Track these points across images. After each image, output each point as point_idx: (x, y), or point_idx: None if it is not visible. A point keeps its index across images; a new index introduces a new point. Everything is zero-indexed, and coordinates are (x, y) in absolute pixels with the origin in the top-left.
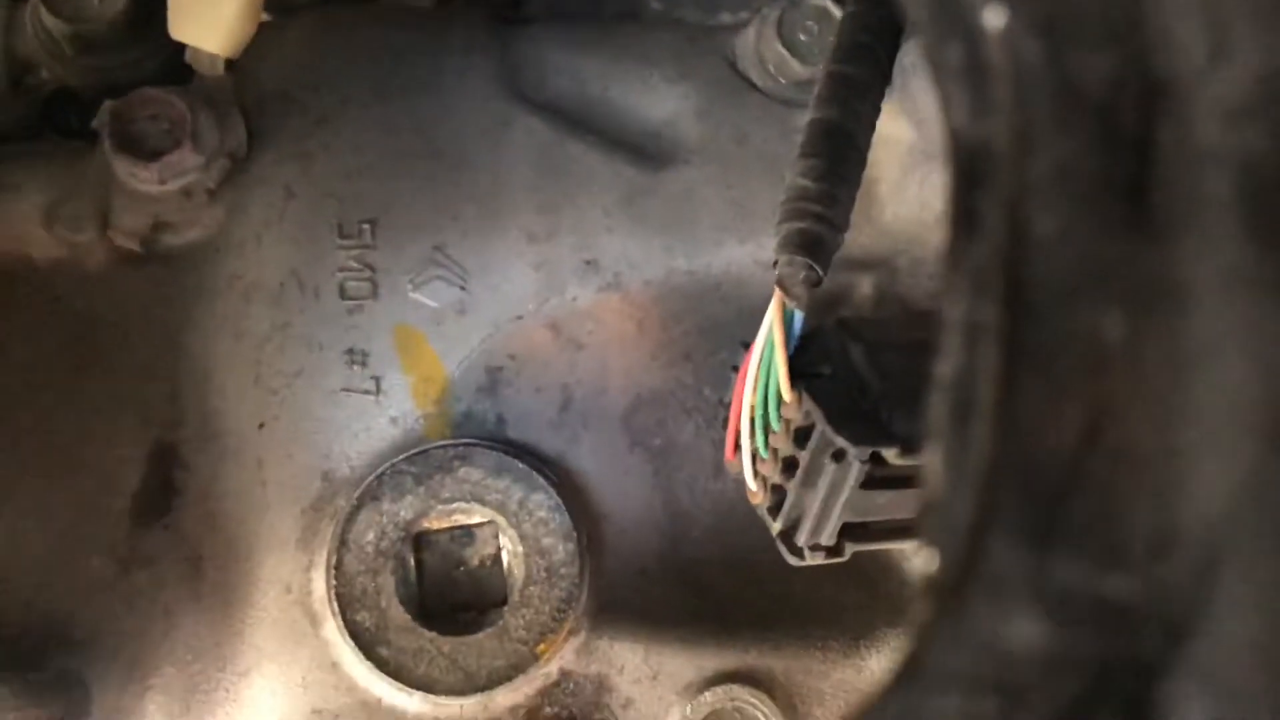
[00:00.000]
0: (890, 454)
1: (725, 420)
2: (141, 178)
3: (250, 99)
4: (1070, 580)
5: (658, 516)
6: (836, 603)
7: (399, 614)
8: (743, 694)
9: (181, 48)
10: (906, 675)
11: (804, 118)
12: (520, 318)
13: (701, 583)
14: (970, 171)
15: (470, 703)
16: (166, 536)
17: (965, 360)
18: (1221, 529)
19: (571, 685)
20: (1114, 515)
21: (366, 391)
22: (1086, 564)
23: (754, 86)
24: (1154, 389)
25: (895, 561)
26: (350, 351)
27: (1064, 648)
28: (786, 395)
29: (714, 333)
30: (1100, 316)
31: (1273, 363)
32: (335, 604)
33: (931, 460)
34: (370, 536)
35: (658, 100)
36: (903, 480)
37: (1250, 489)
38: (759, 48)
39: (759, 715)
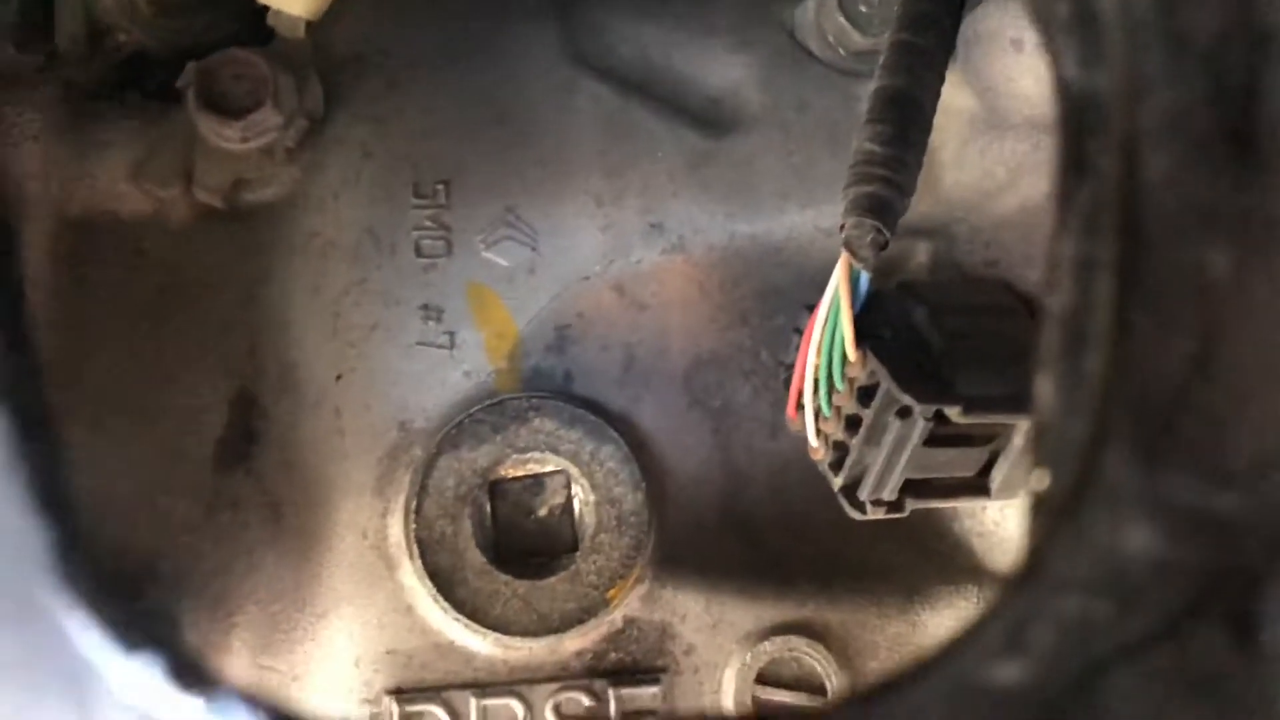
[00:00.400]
0: (953, 412)
1: (787, 381)
2: (225, 136)
3: (326, 61)
4: (1180, 495)
5: (716, 474)
6: (889, 561)
7: (476, 558)
8: (800, 644)
9: (254, 10)
10: (1028, 578)
11: (864, 87)
12: (587, 278)
13: (759, 538)
14: (1079, 119)
15: (540, 645)
16: (248, 482)
17: (1078, 294)
18: None
19: (636, 632)
20: (1220, 435)
21: (441, 346)
22: (1195, 480)
23: (813, 57)
24: (1258, 319)
25: (946, 523)
26: (425, 307)
27: (1174, 557)
28: (851, 355)
29: (773, 297)
30: (1208, 251)
31: None
32: (415, 547)
33: (1043, 387)
34: (450, 482)
35: (720, 69)
36: (964, 439)
37: None
38: (819, 19)
39: (816, 665)
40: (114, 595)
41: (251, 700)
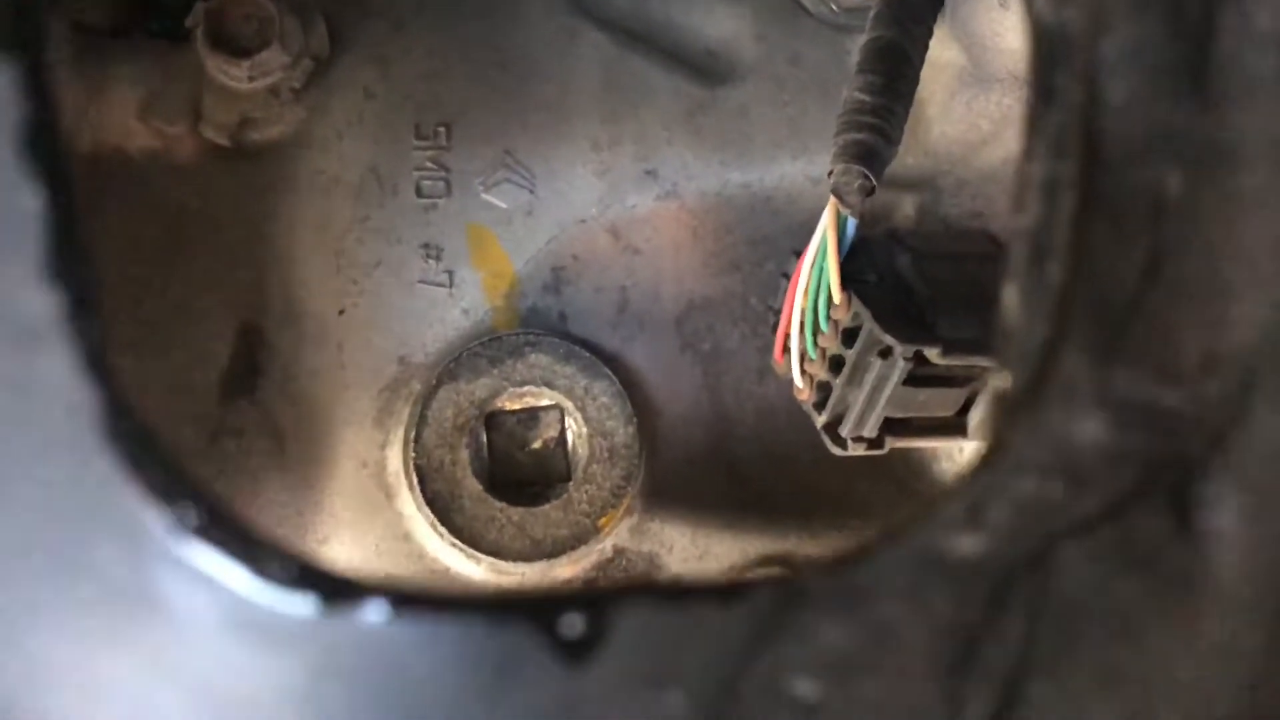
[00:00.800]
0: (933, 353)
1: (774, 325)
2: (232, 75)
3: (333, 3)
4: (1129, 390)
5: (705, 414)
6: (868, 498)
7: (473, 485)
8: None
9: None
10: (990, 460)
11: (854, 42)
12: (583, 221)
13: (745, 475)
14: (1050, 51)
15: (533, 571)
16: (253, 411)
17: (1043, 211)
18: (1258, 353)
19: (625, 561)
20: (1168, 338)
21: (440, 284)
22: (1144, 377)
23: (807, 11)
24: (1206, 234)
25: (925, 463)
26: (426, 246)
27: (1122, 445)
28: (837, 297)
29: (763, 244)
30: (1163, 172)
31: None
32: (414, 475)
33: (1008, 297)
34: (448, 413)
35: (716, 21)
36: (943, 379)
37: None
38: None
39: None
40: (154, 453)
41: (289, 555)
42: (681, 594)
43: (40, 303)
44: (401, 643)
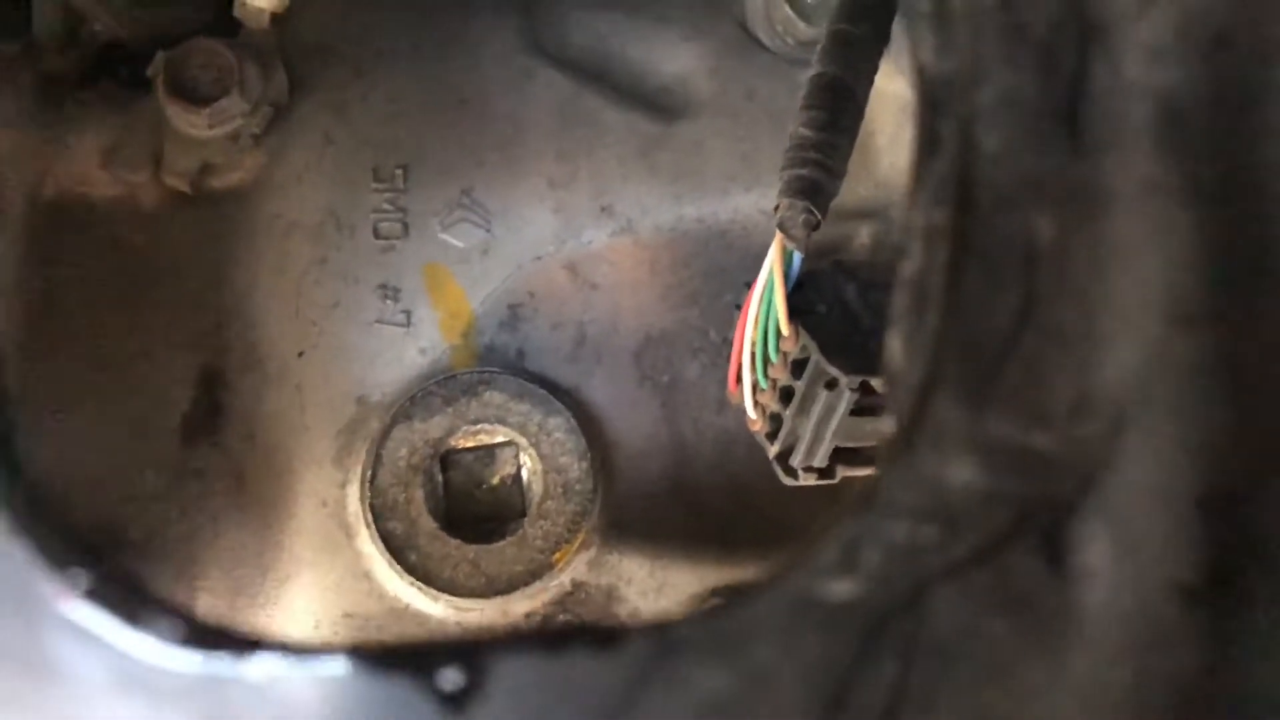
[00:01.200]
0: (878, 383)
1: (730, 357)
2: (192, 122)
3: (292, 50)
4: (1001, 433)
5: (664, 446)
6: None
7: (428, 523)
8: None
9: (222, 2)
10: (863, 504)
11: (806, 75)
12: (540, 258)
13: (704, 506)
14: (933, 101)
15: (490, 607)
16: (213, 453)
17: (924, 259)
18: (1129, 395)
19: (583, 595)
20: (1040, 382)
21: (398, 324)
22: (1015, 420)
23: (762, 46)
24: (1078, 279)
25: None
26: (383, 287)
27: (994, 487)
28: (784, 329)
29: (720, 276)
30: (1035, 219)
31: (1176, 257)
32: (369, 514)
33: (892, 344)
34: (403, 452)
35: (672, 56)
36: None
37: (1154, 363)
38: (767, 9)
39: None
40: (81, 557)
41: (174, 611)
42: (559, 643)
43: None
44: (286, 696)
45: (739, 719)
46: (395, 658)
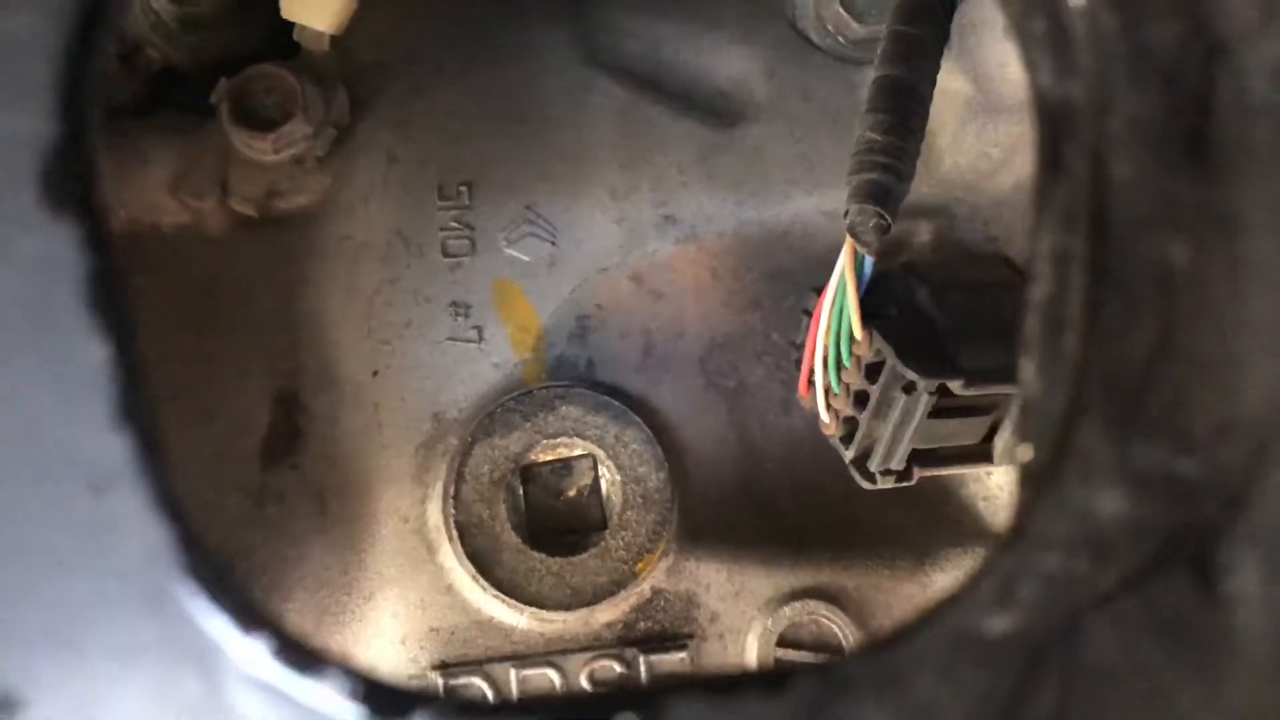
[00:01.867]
0: (955, 385)
1: (798, 361)
2: (257, 148)
3: (351, 71)
4: (1147, 462)
5: (733, 451)
6: (900, 526)
7: (511, 538)
8: (818, 608)
9: (278, 24)
10: (1014, 539)
11: (864, 74)
12: (605, 270)
13: (775, 510)
14: (1054, 124)
15: (573, 618)
16: (294, 475)
17: (1055, 284)
18: (1272, 418)
19: (663, 602)
20: (1182, 408)
21: (470, 340)
22: (1160, 448)
23: (814, 45)
24: (1215, 304)
25: (953, 489)
26: (454, 304)
27: (1142, 516)
28: (858, 334)
29: (782, 280)
30: (1170, 244)
31: None
32: (454, 530)
33: (1025, 369)
34: (485, 469)
35: (727, 62)
36: (967, 409)
37: None
38: (818, 8)
39: (834, 627)
40: (228, 585)
41: (349, 671)
42: (728, 686)
43: (112, 448)
44: None
45: None
46: (572, 707)
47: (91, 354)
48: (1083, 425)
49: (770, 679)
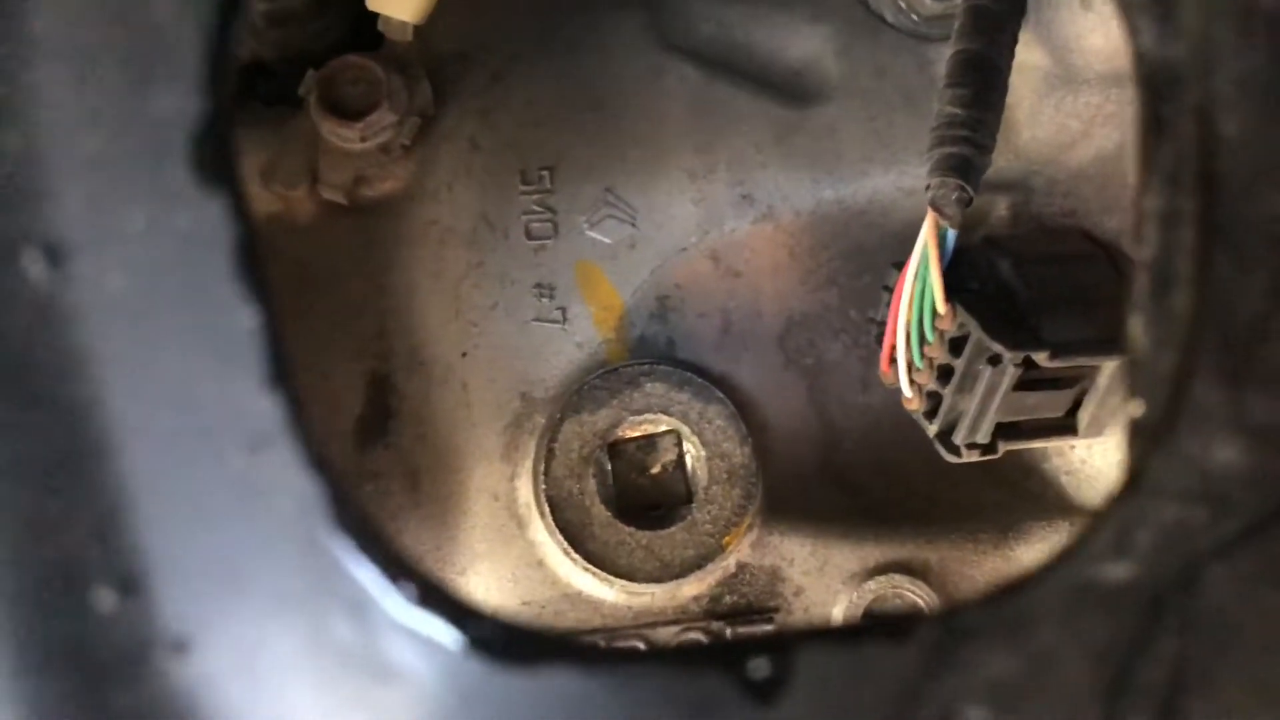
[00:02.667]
0: (1041, 357)
1: (878, 337)
2: (345, 136)
3: (432, 60)
4: (1262, 413)
5: (812, 428)
6: (982, 501)
7: (601, 512)
8: (903, 581)
9: (363, 15)
10: (1130, 490)
11: (937, 51)
12: (684, 250)
13: (857, 485)
14: (1158, 87)
15: (661, 591)
16: (388, 454)
17: (1163, 243)
18: None
19: (748, 576)
20: None
21: (554, 321)
22: (1275, 399)
23: (887, 24)
24: None
25: (1035, 462)
26: (538, 286)
27: (1260, 467)
28: (941, 308)
29: (859, 257)
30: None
31: None
32: (545, 505)
33: (1134, 327)
34: (574, 445)
35: (798, 41)
36: (1051, 382)
37: None
38: None
39: (919, 600)
40: (375, 537)
41: (492, 618)
42: (854, 634)
43: (265, 409)
44: (602, 696)
45: (1027, 700)
46: (702, 652)
47: (243, 321)
48: (1196, 380)
49: (894, 627)
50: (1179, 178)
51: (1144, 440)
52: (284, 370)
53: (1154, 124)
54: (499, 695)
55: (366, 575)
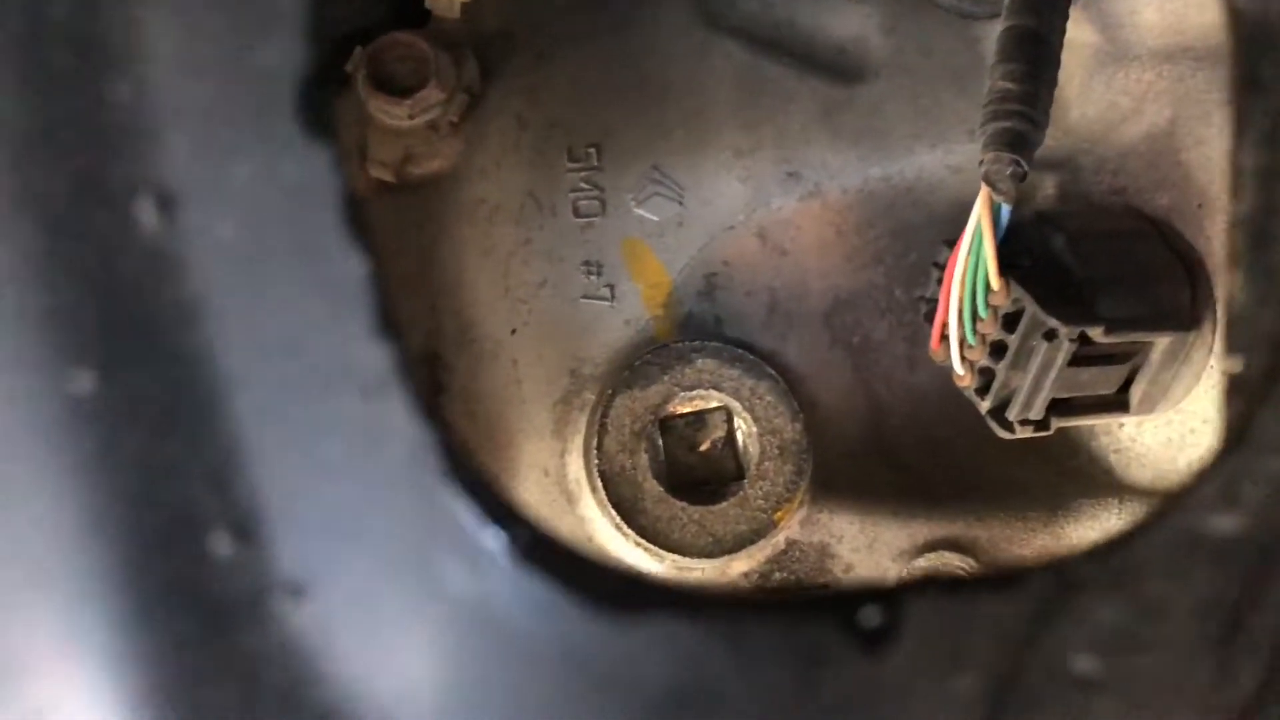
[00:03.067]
0: (1096, 333)
1: (928, 315)
2: (393, 114)
3: (480, 39)
4: None
5: (859, 406)
6: (1030, 479)
7: (653, 487)
8: (952, 558)
9: None
10: (1233, 444)
11: (984, 29)
12: (731, 228)
13: (904, 464)
14: (1251, 42)
15: (712, 567)
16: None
17: (1261, 199)
18: None
19: (797, 553)
20: None
21: (603, 298)
22: None
23: (933, 2)
24: None
25: (1083, 441)
26: (586, 263)
27: None
28: (995, 284)
29: (905, 236)
30: None
31: None
32: (597, 480)
33: (1232, 283)
34: (626, 420)
35: (844, 19)
36: (1105, 358)
37: None
38: None
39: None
40: (486, 484)
41: (602, 564)
42: (963, 584)
43: (376, 356)
44: (712, 644)
45: (1137, 650)
46: (815, 602)
47: (353, 269)
48: None
49: (1002, 579)
50: (1276, 135)
51: (1246, 396)
52: (392, 319)
53: (1249, 81)
54: (608, 643)
55: (478, 524)
